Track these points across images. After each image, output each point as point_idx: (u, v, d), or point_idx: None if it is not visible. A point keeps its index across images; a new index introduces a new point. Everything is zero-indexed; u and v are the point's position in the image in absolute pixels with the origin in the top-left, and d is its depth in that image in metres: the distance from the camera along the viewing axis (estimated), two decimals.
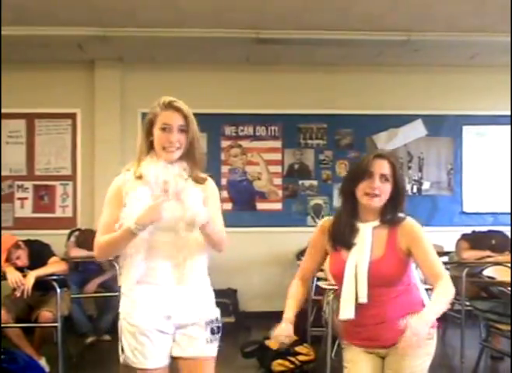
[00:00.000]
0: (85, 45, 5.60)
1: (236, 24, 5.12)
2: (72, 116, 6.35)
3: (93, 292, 5.38)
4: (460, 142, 6.61)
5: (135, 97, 6.17)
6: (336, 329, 3.77)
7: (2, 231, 5.03)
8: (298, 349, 4.45)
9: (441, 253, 4.73)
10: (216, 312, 2.32)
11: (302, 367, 4.42)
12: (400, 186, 2.30)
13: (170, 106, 2.22)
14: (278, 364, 4.39)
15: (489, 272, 4.67)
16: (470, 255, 4.97)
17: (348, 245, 2.28)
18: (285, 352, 4.36)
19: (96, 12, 4.81)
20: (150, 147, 2.26)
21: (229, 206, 6.31)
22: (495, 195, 6.57)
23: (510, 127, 6.43)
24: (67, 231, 5.91)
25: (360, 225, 2.30)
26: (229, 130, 6.49)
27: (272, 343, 3.91)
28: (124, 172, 2.29)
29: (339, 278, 2.30)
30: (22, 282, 4.10)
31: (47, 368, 4.29)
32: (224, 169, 6.44)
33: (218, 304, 2.36)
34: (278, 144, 6.53)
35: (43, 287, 4.28)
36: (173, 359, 2.27)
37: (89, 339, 5.22)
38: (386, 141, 6.49)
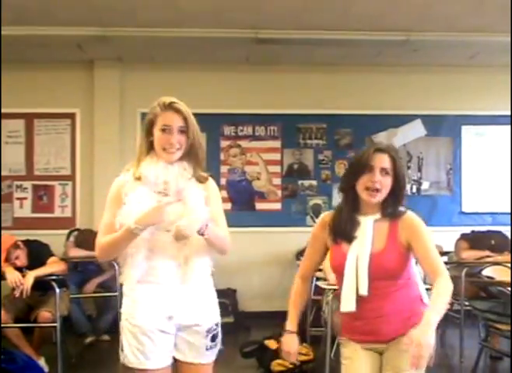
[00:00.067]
0: (85, 45, 5.60)
1: (236, 24, 5.12)
2: (72, 116, 6.34)
3: (92, 292, 5.38)
4: (459, 142, 6.60)
5: (134, 97, 6.17)
6: (335, 329, 3.76)
7: (1, 231, 5.02)
8: None
9: (440, 253, 4.67)
10: (217, 317, 2.31)
11: (301, 367, 4.41)
12: (400, 179, 2.29)
13: (170, 107, 2.21)
14: (277, 364, 4.38)
15: (488, 272, 4.67)
16: (469, 255, 4.98)
17: (350, 238, 2.28)
18: None
19: (95, 11, 4.80)
20: (150, 147, 2.25)
21: (228, 206, 6.29)
22: (494, 195, 6.56)
23: (509, 127, 6.43)
24: (66, 231, 5.92)
25: (361, 218, 2.30)
26: (228, 130, 6.49)
27: (283, 361, 3.94)
28: (124, 172, 2.28)
29: (340, 271, 2.30)
30: (22, 282, 4.09)
31: (46, 368, 4.28)
32: (223, 168, 6.44)
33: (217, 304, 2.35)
34: (277, 144, 6.52)
35: (42, 287, 4.27)
36: (174, 360, 2.27)
37: (89, 339, 5.22)
38: (385, 141, 6.48)
